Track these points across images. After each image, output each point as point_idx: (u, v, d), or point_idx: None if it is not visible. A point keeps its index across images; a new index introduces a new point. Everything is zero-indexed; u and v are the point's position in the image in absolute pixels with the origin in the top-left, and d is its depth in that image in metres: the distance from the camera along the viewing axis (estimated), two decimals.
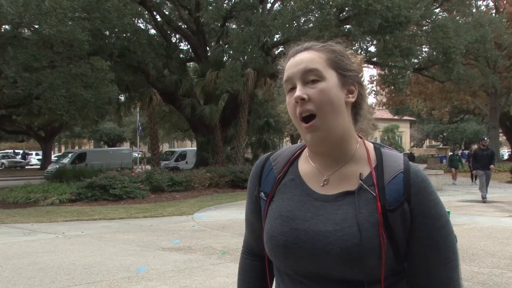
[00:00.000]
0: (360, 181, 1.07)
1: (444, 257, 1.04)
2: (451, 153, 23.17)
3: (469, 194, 15.39)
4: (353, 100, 1.11)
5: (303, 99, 1.04)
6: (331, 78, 1.07)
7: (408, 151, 35.64)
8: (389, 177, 1.06)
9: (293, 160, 1.20)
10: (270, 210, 1.14)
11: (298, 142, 1.17)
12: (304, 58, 1.09)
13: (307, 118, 1.06)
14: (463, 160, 24.00)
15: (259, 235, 1.20)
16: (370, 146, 1.14)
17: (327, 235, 1.02)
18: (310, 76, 1.06)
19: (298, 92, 1.05)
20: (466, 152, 44.96)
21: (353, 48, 19.22)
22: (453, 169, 20.48)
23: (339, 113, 1.06)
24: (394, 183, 1.05)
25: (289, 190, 1.14)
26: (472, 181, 19.43)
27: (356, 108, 1.13)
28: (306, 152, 1.19)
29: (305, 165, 1.16)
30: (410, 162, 1.09)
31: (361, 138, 1.15)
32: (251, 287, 1.28)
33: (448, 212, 1.11)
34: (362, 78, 1.14)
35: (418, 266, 1.05)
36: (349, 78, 1.10)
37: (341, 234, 1.01)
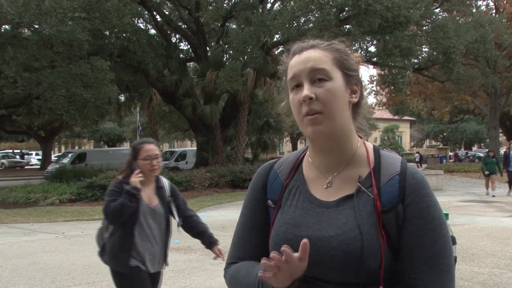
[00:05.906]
0: (358, 183, 1.08)
1: (430, 259, 1.01)
2: (486, 155, 16.63)
3: (469, 194, 15.38)
4: (356, 100, 1.12)
5: (311, 98, 1.04)
6: (337, 78, 1.07)
7: (417, 152, 35.32)
8: (386, 179, 1.07)
9: (297, 165, 1.20)
10: (276, 218, 1.14)
11: (298, 143, 1.17)
12: (311, 56, 1.08)
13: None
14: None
15: (254, 252, 1.17)
16: (370, 147, 1.15)
17: (330, 240, 1.03)
18: (317, 75, 1.06)
19: (306, 91, 1.05)
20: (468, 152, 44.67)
21: (353, 48, 19.30)
22: (490, 175, 15.04)
23: (343, 112, 1.07)
24: (390, 185, 1.06)
25: (293, 197, 1.15)
26: (510, 189, 15.38)
27: (357, 107, 1.14)
28: (308, 156, 1.19)
29: (309, 170, 1.17)
30: (408, 164, 1.10)
31: (361, 138, 1.16)
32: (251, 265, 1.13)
33: (446, 215, 1.10)
34: (361, 76, 1.15)
35: (406, 267, 1.03)
36: (353, 78, 1.11)
37: (343, 238, 1.02)
